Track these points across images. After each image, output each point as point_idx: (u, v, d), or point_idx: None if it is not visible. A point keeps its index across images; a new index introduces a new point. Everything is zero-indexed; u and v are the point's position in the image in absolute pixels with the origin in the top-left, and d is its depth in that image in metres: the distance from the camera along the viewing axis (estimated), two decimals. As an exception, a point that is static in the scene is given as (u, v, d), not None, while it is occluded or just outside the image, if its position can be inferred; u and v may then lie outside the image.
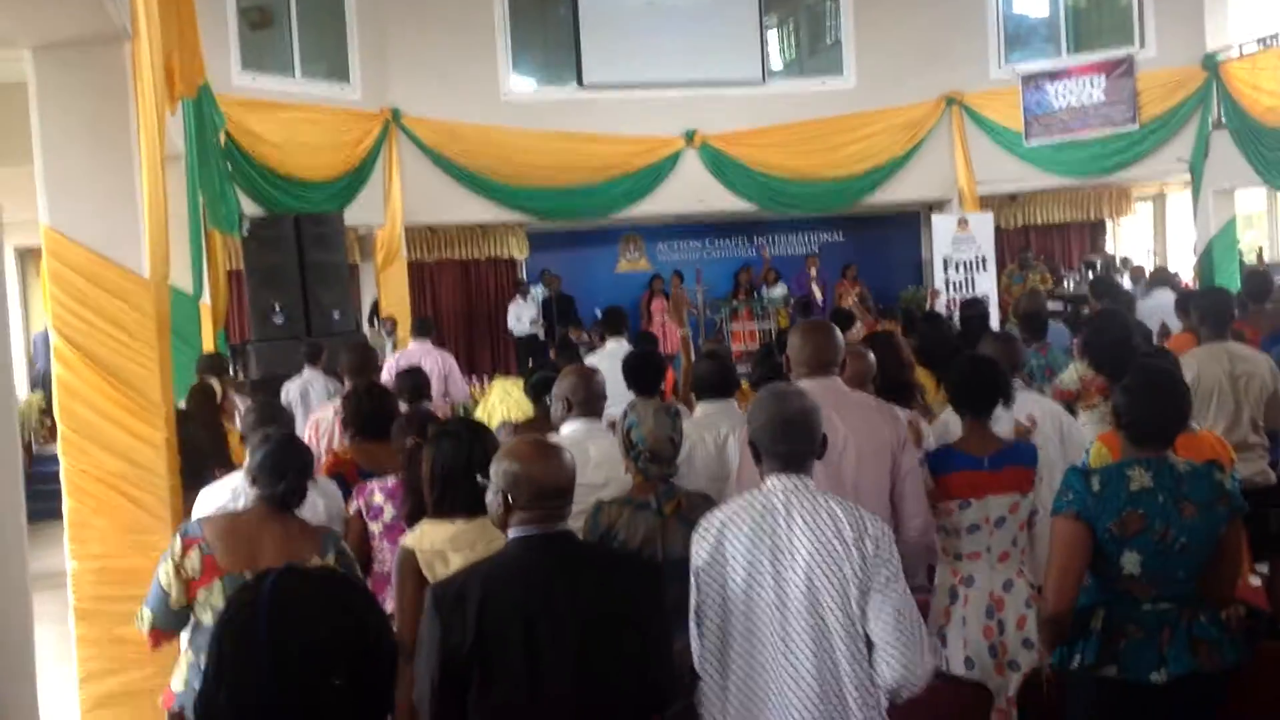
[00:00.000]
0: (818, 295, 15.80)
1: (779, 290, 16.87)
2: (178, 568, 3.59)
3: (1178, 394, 3.50)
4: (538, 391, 6.16)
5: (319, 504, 4.37)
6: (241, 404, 7.39)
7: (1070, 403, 5.76)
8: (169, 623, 3.64)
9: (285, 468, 3.74)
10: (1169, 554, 3.28)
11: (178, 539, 3.64)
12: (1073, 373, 6.02)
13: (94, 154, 4.78)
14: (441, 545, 3.56)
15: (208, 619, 3.57)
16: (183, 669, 3.70)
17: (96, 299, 4.62)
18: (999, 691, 4.00)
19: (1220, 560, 3.37)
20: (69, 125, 4.74)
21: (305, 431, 6.32)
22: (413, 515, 4.02)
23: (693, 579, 3.15)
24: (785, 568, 3.03)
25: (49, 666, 5.46)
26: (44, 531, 6.07)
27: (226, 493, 4.41)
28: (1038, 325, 7.26)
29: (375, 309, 14.43)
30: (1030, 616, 4.18)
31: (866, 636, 3.02)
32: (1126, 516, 3.29)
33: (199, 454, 5.06)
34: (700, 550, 3.13)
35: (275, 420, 4.96)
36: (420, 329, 10.22)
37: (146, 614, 3.64)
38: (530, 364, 9.94)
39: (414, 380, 6.79)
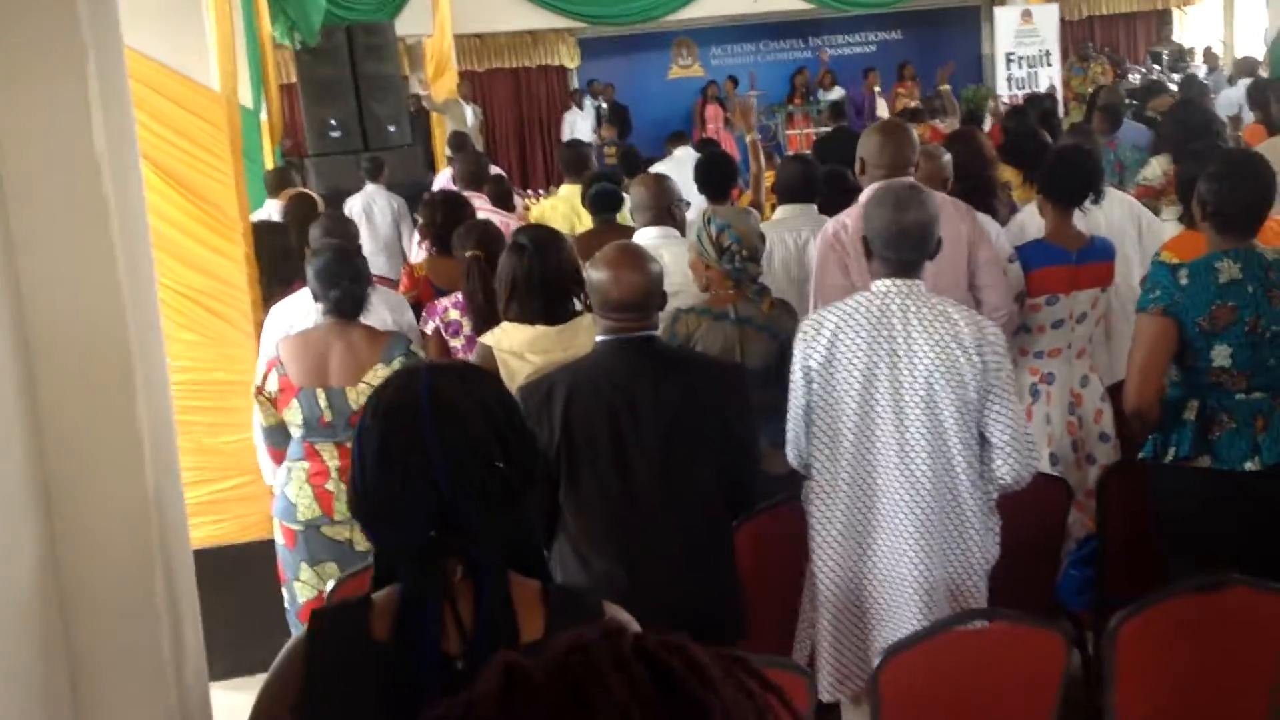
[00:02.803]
0: (881, 104, 15.39)
1: (835, 93, 16.32)
2: (259, 389, 3.75)
3: (1263, 180, 3.39)
4: (596, 204, 6.10)
5: (387, 317, 4.42)
6: None
7: (1152, 200, 5.65)
8: (274, 440, 3.87)
9: (338, 276, 3.78)
10: (1260, 344, 3.26)
11: (263, 362, 3.80)
12: (1155, 168, 5.89)
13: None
14: (520, 347, 3.59)
15: (295, 433, 3.79)
16: (281, 475, 3.85)
17: (170, 114, 4.61)
18: (1079, 486, 4.07)
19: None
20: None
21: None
22: (479, 327, 4.05)
23: (801, 379, 3.17)
24: (904, 371, 3.05)
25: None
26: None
27: (306, 304, 4.45)
28: (1116, 119, 7.09)
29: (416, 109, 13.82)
30: (1106, 410, 4.22)
31: (981, 435, 3.07)
32: (1216, 310, 3.25)
33: (293, 262, 5.09)
34: (813, 352, 3.14)
35: (343, 234, 4.99)
36: (456, 143, 10.11)
37: (256, 435, 3.89)
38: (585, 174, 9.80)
39: (500, 187, 6.81)
